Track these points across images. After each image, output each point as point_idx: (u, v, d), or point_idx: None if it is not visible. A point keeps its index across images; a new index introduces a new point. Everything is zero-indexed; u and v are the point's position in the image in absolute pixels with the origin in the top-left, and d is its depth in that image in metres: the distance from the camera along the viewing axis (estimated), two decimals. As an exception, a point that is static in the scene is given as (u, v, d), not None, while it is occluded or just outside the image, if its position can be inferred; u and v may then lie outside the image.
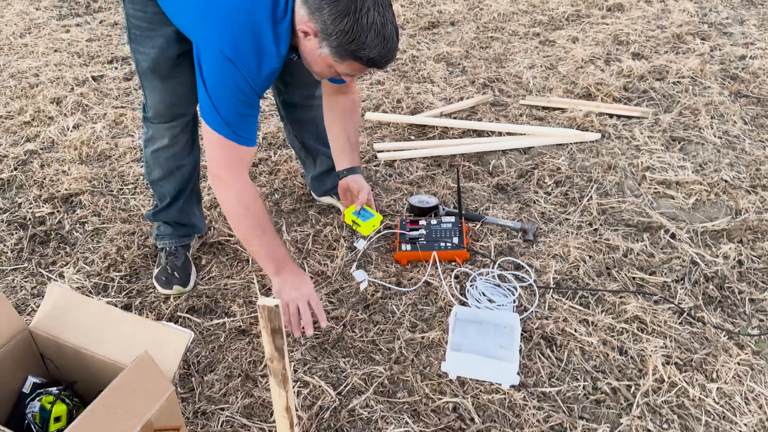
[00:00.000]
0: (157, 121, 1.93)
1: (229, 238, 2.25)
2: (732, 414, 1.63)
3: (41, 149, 2.81)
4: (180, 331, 1.42)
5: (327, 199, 2.43)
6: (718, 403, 1.66)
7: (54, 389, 1.49)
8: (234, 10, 1.50)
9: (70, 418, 1.46)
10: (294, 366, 1.77)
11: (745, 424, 1.60)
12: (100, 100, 3.25)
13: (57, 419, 1.45)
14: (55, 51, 3.83)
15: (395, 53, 1.55)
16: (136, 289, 2.05)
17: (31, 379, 1.54)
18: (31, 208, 2.41)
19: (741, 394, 1.68)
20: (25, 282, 2.08)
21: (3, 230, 2.31)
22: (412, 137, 2.95)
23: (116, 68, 3.61)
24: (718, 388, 1.69)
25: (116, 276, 2.09)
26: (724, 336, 1.85)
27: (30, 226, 2.32)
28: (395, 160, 2.74)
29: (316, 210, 2.41)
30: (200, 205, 2.19)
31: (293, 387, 1.69)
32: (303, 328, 1.72)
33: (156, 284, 2.04)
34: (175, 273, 2.03)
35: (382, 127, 3.03)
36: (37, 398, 1.47)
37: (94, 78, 3.48)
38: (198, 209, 2.17)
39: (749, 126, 2.99)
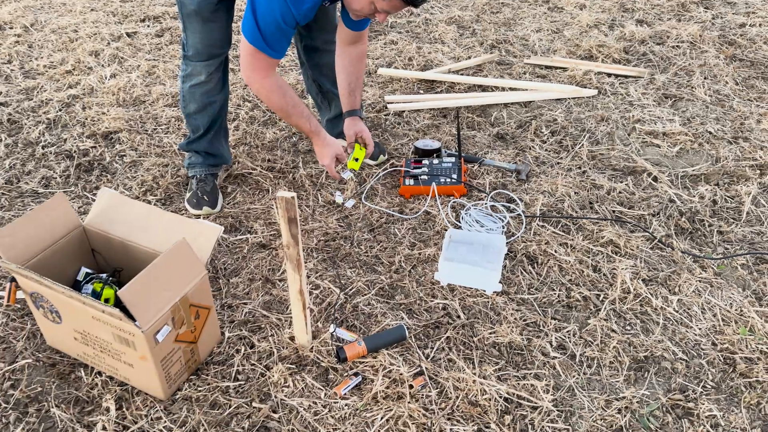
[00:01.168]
0: (196, 59, 2.18)
1: (251, 171, 2.51)
2: (688, 320, 1.86)
3: (82, 94, 3.09)
4: (212, 225, 1.69)
5: (341, 141, 2.67)
6: (677, 312, 1.89)
7: (103, 275, 1.77)
8: None
9: (117, 301, 1.74)
10: (307, 273, 2.03)
11: (699, 329, 1.84)
12: (134, 54, 3.51)
13: (106, 300, 1.73)
14: (92, 10, 4.10)
15: None
16: (170, 210, 2.32)
17: (84, 269, 1.82)
18: (75, 143, 2.69)
19: (698, 305, 1.91)
20: (72, 202, 2.36)
21: (52, 160, 2.59)
22: (421, 91, 3.17)
23: (148, 26, 3.87)
24: (678, 300, 1.92)
25: (152, 199, 2.36)
26: (690, 259, 2.08)
27: (75, 157, 2.60)
28: (404, 111, 2.97)
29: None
30: (227, 139, 2.45)
31: (308, 287, 1.96)
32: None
33: (188, 206, 2.31)
34: (205, 196, 2.30)
35: (393, 81, 3.26)
36: (90, 282, 1.75)
37: (128, 34, 3.75)
38: (225, 143, 2.43)
39: (740, 86, 3.17)
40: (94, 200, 2.34)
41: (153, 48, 3.59)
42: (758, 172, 2.50)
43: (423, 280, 2.00)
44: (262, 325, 1.84)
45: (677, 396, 1.64)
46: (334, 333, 1.79)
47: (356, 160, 2.34)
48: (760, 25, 3.81)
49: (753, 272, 2.04)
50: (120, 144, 2.69)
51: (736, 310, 1.89)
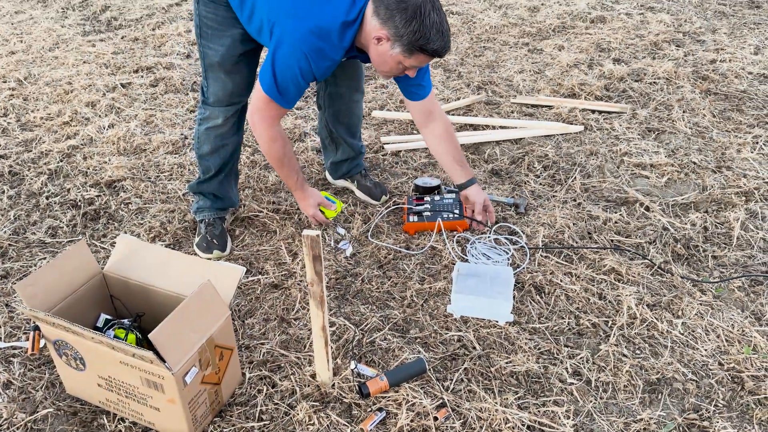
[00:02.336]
0: (216, 105, 2.25)
1: (258, 213, 2.56)
2: (694, 342, 1.93)
3: (81, 144, 3.13)
4: (234, 267, 1.72)
5: (341, 182, 2.74)
6: (682, 334, 1.96)
7: (126, 321, 1.79)
8: (316, 13, 1.88)
9: (139, 346, 1.75)
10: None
11: (705, 350, 1.91)
12: (130, 104, 3.57)
13: (128, 346, 1.74)
14: (84, 62, 4.17)
15: (450, 44, 1.98)
16: (179, 255, 2.34)
17: (104, 316, 1.84)
18: (79, 192, 2.71)
19: (702, 327, 1.98)
20: (81, 251, 2.37)
21: (57, 210, 2.61)
22: (415, 131, 3.27)
23: (142, 77, 3.95)
24: (682, 323, 2.00)
25: (161, 245, 2.39)
26: (689, 283, 2.16)
27: (81, 205, 2.62)
28: (401, 151, 3.06)
29: (332, 191, 2.72)
30: (237, 183, 2.50)
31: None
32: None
33: (197, 250, 2.34)
34: (214, 240, 2.33)
35: (387, 123, 3.36)
36: (111, 329, 1.77)
37: (122, 85, 3.81)
38: (235, 186, 2.48)
39: (717, 118, 3.33)
40: (102, 248, 2.37)
41: (149, 98, 3.66)
42: (744, 198, 2.62)
43: (436, 314, 2.05)
44: (282, 364, 1.87)
45: (692, 416, 1.69)
46: (355, 369, 1.81)
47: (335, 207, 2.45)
48: (729, 60, 4.01)
49: (749, 294, 2.12)
50: (124, 192, 2.73)
51: (738, 330, 1.96)
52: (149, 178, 2.84)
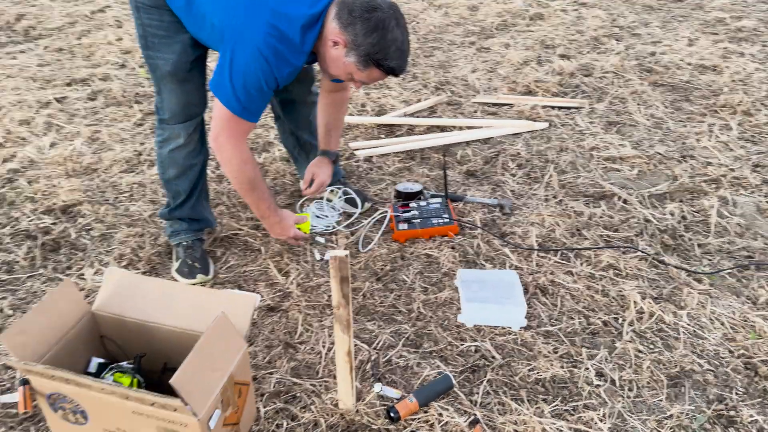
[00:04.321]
0: (173, 121, 2.07)
1: (237, 231, 2.40)
2: (701, 332, 1.96)
3: (22, 168, 2.84)
4: (247, 295, 1.58)
5: (322, 192, 2.62)
6: (689, 325, 1.98)
7: (124, 364, 1.61)
8: (274, 15, 1.72)
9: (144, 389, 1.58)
10: (328, 332, 1.94)
11: (714, 338, 1.94)
12: (69, 120, 3.29)
13: (129, 391, 1.56)
14: (8, 77, 3.81)
15: (407, 65, 1.87)
16: (158, 283, 2.15)
17: (95, 360, 1.64)
18: (31, 221, 2.45)
19: (706, 317, 2.02)
20: (45, 287, 2.14)
21: (9, 242, 2.35)
22: (382, 136, 3.19)
23: (77, 90, 3.65)
24: (687, 314, 2.02)
25: (136, 273, 2.18)
26: (685, 274, 2.19)
27: (37, 236, 2.37)
28: (372, 156, 2.97)
29: (310, 205, 2.60)
30: (209, 201, 2.33)
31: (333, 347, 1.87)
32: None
33: (178, 277, 2.16)
34: (196, 264, 2.16)
35: (352, 128, 3.26)
36: (110, 374, 1.58)
37: (57, 100, 3.51)
38: (208, 205, 2.32)
39: (670, 109, 3.44)
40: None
41: (89, 113, 3.38)
42: (713, 186, 2.71)
43: (447, 324, 1.98)
44: (297, 394, 1.74)
45: (719, 406, 1.71)
46: (381, 392, 1.71)
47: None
48: (667, 53, 4.18)
49: (740, 279, 2.18)
50: (83, 217, 2.49)
51: (740, 316, 2.01)
52: (108, 200, 2.61)
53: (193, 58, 2.00)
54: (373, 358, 1.84)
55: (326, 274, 2.19)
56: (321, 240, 2.36)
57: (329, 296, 2.09)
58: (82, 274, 2.17)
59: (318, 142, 2.38)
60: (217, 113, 1.84)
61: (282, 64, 1.78)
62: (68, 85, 3.72)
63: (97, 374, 1.61)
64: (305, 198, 2.58)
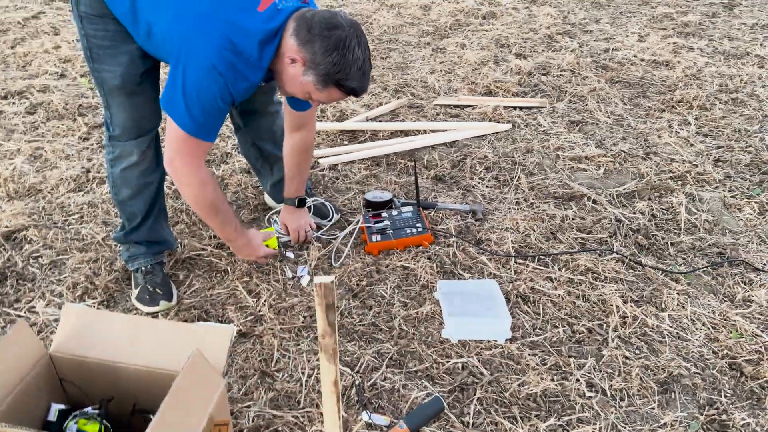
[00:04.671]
0: (125, 138, 1.93)
1: (201, 252, 2.26)
2: (684, 334, 1.94)
3: (-43, 191, 2.61)
4: (221, 327, 1.46)
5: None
6: (672, 327, 1.96)
7: (89, 410, 1.46)
8: (228, 27, 1.60)
9: (109, 436, 1.44)
10: (306, 356, 1.84)
11: (697, 340, 1.92)
12: (7, 137, 3.06)
13: (96, 440, 1.43)
14: (-65, 91, 3.53)
15: (369, 85, 1.78)
16: (117, 312, 2.00)
17: (55, 406, 1.49)
18: (-29, 250, 2.25)
19: (687, 317, 2.00)
20: (-10, 324, 1.95)
21: (-54, 275, 2.14)
22: (345, 142, 3.09)
23: (14, 103, 3.40)
24: (669, 315, 2.01)
25: (92, 303, 2.02)
26: (662, 274, 2.18)
27: (-23, 267, 2.17)
28: (337, 164, 2.87)
29: (277, 217, 2.47)
30: (167, 221, 2.19)
31: (314, 373, 1.77)
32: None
33: (139, 305, 2.01)
34: (157, 290, 2.01)
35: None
36: (74, 421, 1.44)
37: (-8, 115, 3.26)
38: (167, 225, 2.17)
39: (628, 106, 3.47)
40: (20, 316, 1.97)
41: (29, 128, 3.15)
42: (679, 183, 2.72)
43: (431, 341, 1.90)
44: (279, 428, 1.63)
45: (711, 411, 1.69)
46: (369, 420, 1.62)
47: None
48: (620, 49, 4.22)
49: (715, 277, 2.19)
50: (29, 244, 2.29)
51: (720, 316, 2.01)
52: (56, 223, 2.42)
53: (143, 69, 1.86)
54: (357, 382, 1.75)
55: (299, 293, 2.08)
56: (290, 255, 2.25)
57: (305, 317, 1.98)
58: (33, 307, 2.00)
59: (289, 185, 2.27)
60: (170, 134, 1.71)
61: (238, 80, 1.67)
62: (4, 98, 3.47)
63: (59, 422, 1.46)
64: (273, 212, 2.46)
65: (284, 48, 1.68)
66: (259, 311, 2.00)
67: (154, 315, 1.98)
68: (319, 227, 2.38)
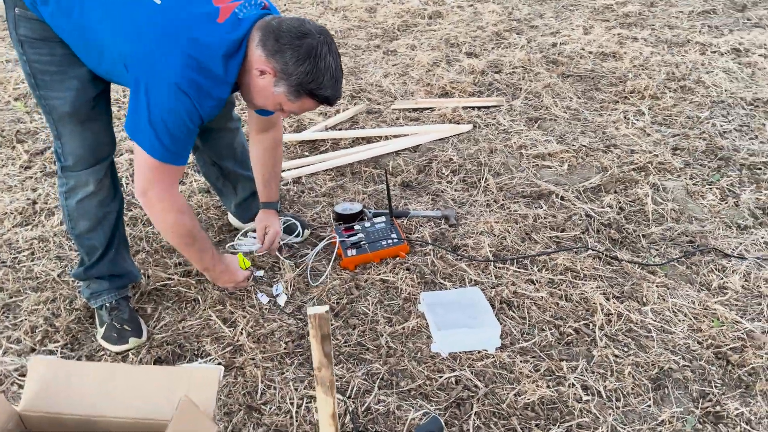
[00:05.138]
0: (79, 167, 1.80)
1: (167, 281, 2.14)
2: (669, 326, 1.95)
3: None
4: (207, 368, 1.37)
5: (254, 224, 2.40)
6: (655, 321, 1.97)
7: (66, 470, 1.34)
8: (189, 43, 1.50)
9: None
10: (294, 385, 1.75)
11: (681, 331, 1.93)
12: (-61, 170, 2.84)
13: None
14: None
15: (341, 93, 1.75)
16: (83, 355, 1.87)
17: (28, 470, 1.37)
18: None
19: (669, 310, 2.01)
20: (-59, 380, 1.79)
21: None
22: (306, 153, 3.00)
23: (-57, 133, 3.17)
24: (651, 309, 2.01)
25: (55, 348, 1.88)
26: (638, 268, 2.19)
27: None
28: (301, 177, 2.78)
29: (245, 239, 2.37)
30: (129, 250, 2.06)
31: (303, 404, 1.69)
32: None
33: (107, 344, 1.87)
34: (125, 326, 1.89)
35: (272, 149, 3.04)
36: (49, 485, 1.32)
37: None
38: (128, 256, 2.04)
39: (582, 99, 3.50)
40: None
41: (-37, 158, 2.94)
42: (642, 173, 2.76)
43: (421, 356, 1.84)
44: (273, 465, 1.54)
45: (705, 404, 1.69)
46: (368, 448, 1.55)
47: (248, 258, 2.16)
48: (567, 43, 4.27)
49: (689, 266, 2.21)
50: (-24, 286, 2.12)
51: (699, 305, 2.03)
52: (5, 262, 2.25)
53: (95, 93, 1.74)
54: (350, 409, 1.68)
55: (277, 317, 1.99)
56: (259, 273, 2.16)
57: (286, 343, 1.90)
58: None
59: (259, 194, 2.20)
60: (140, 162, 1.60)
61: (204, 99, 1.57)
62: (-69, 128, 3.23)
63: (33, 488, 1.34)
64: (242, 232, 2.36)
65: (251, 59, 1.60)
66: (238, 341, 1.90)
67: (124, 353, 1.86)
68: (288, 244, 2.29)
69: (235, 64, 1.59)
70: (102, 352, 1.87)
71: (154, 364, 1.83)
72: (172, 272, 2.17)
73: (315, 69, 1.57)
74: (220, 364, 1.83)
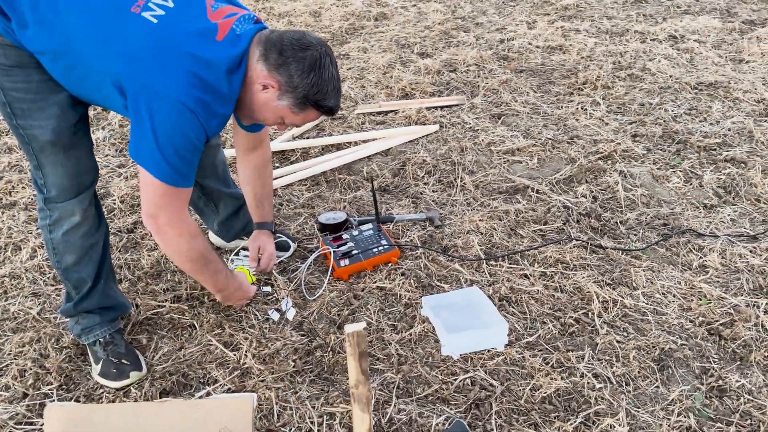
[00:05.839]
0: (63, 198, 1.71)
1: (157, 309, 2.05)
2: (660, 308, 2.03)
3: None
4: (239, 397, 1.33)
5: (238, 243, 2.34)
6: (648, 304, 2.05)
7: None
8: (191, 60, 1.46)
9: None
10: (312, 403, 1.72)
11: (673, 312, 2.02)
12: None
13: None
14: None
15: (341, 103, 1.74)
16: (81, 395, 1.77)
17: None
18: None
19: (658, 292, 2.10)
20: (-74, 438, 1.66)
21: None
22: (277, 164, 2.95)
23: None
24: (642, 293, 2.09)
25: (49, 390, 1.77)
26: (623, 254, 2.27)
27: None
28: (276, 189, 2.73)
29: (229, 255, 2.31)
30: (116, 281, 1.97)
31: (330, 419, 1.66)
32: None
33: (105, 381, 1.78)
34: (123, 360, 1.80)
35: (240, 162, 2.97)
36: None
37: None
38: (116, 286, 1.95)
39: (539, 93, 3.59)
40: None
41: None
42: (609, 162, 2.85)
43: (432, 361, 1.85)
44: (305, 487, 1.51)
45: (708, 379, 1.77)
46: (401, 459, 1.54)
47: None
48: (515, 39, 4.37)
49: (669, 248, 2.31)
50: (-50, 333, 1.98)
51: (685, 285, 2.12)
52: (-24, 304, 2.11)
53: (76, 119, 1.67)
54: (373, 422, 1.66)
55: (280, 336, 1.95)
56: (267, 289, 2.12)
57: (294, 361, 1.86)
58: None
59: (251, 214, 2.16)
60: (148, 188, 1.54)
61: (211, 117, 1.53)
62: None
63: None
64: (240, 247, 2.30)
65: (252, 75, 1.57)
66: (244, 364, 1.85)
67: (125, 389, 1.78)
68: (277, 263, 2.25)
69: (237, 80, 1.55)
70: (101, 390, 1.78)
71: (160, 396, 1.76)
72: (162, 299, 2.09)
73: (320, 80, 1.57)
74: (229, 390, 1.77)
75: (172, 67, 1.45)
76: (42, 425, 1.67)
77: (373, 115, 3.39)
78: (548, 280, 2.15)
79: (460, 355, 1.86)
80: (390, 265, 2.23)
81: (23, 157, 2.99)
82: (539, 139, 3.07)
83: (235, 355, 1.88)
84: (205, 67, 1.48)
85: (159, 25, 1.46)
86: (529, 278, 2.16)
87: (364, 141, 3.10)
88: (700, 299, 2.05)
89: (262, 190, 2.09)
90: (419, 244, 2.32)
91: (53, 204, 1.72)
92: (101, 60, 1.48)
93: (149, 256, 2.31)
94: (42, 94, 1.59)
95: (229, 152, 2.78)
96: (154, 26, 1.45)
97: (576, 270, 2.19)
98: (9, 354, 1.90)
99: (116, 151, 3.11)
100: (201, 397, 1.73)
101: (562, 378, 1.77)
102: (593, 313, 2.00)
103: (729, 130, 3.06)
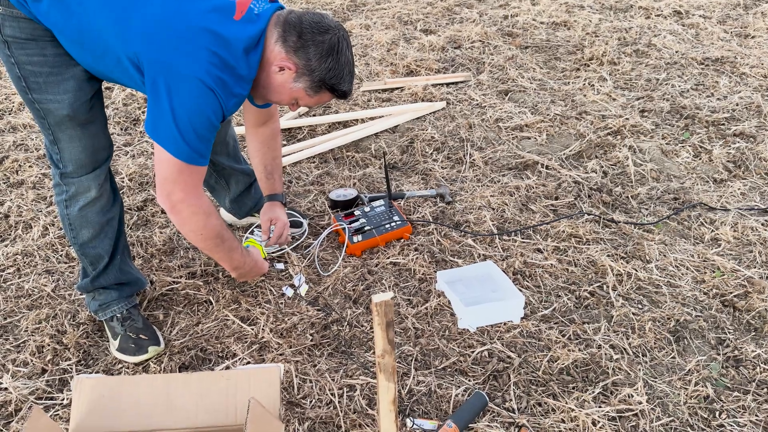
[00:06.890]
0: (80, 173, 1.70)
1: (173, 285, 2.05)
2: (675, 281, 2.04)
3: None
4: (266, 368, 1.33)
5: (250, 220, 2.34)
6: (661, 277, 2.06)
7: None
8: (211, 38, 1.44)
9: None
10: (331, 376, 1.73)
11: (687, 285, 2.03)
12: None
13: None
14: None
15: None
16: (100, 370, 1.77)
17: (83, 495, 1.30)
18: None
19: (671, 265, 2.10)
20: (-53, 414, 1.66)
21: None
22: (284, 142, 2.94)
23: None
24: (655, 266, 2.10)
25: (68, 366, 1.78)
26: (635, 228, 2.28)
27: None
28: (285, 167, 2.72)
29: (241, 232, 2.31)
30: (131, 257, 1.96)
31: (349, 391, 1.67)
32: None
33: (124, 356, 1.79)
34: (141, 335, 1.81)
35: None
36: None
37: None
38: (132, 262, 1.95)
39: (545, 69, 3.57)
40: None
41: None
42: (618, 137, 2.85)
43: (449, 335, 1.86)
44: (328, 458, 1.52)
45: (725, 350, 1.79)
46: (417, 427, 1.55)
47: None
48: (518, 15, 4.33)
49: (680, 222, 2.31)
50: (-35, 312, 1.98)
51: (698, 257, 2.13)
52: (-11, 281, 2.10)
53: (92, 94, 1.65)
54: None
55: (296, 311, 1.95)
56: (280, 266, 2.11)
57: (311, 335, 1.86)
58: (-2, 384, 1.73)
59: (261, 187, 2.14)
60: (163, 165, 1.53)
61: (228, 96, 1.52)
62: None
63: None
64: (255, 225, 2.28)
65: (269, 55, 1.55)
66: (262, 338, 1.85)
67: (144, 363, 1.78)
68: (292, 236, 2.25)
69: (254, 60, 1.54)
70: (119, 365, 1.79)
71: (179, 371, 1.76)
72: (177, 275, 2.09)
73: (337, 65, 1.57)
74: (248, 362, 1.78)
75: (191, 44, 1.44)
76: (62, 400, 1.68)
77: (379, 93, 3.37)
78: (562, 254, 2.15)
79: (477, 328, 1.87)
80: (402, 240, 2.23)
81: (28, 136, 2.97)
82: (547, 115, 3.06)
83: (252, 329, 1.89)
84: (224, 46, 1.47)
85: (177, 1, 1.44)
86: (542, 252, 2.17)
87: (371, 118, 3.08)
88: (714, 272, 2.06)
89: (273, 162, 2.07)
90: (431, 220, 2.32)
91: (69, 179, 1.71)
92: (119, 37, 1.46)
93: (161, 233, 2.30)
94: (58, 68, 1.57)
95: (238, 129, 2.76)
96: (172, 3, 1.44)
97: (589, 244, 2.20)
98: (26, 331, 1.90)
99: (121, 129, 3.08)
100: (223, 369, 1.74)
101: (579, 350, 1.79)
102: (608, 286, 2.01)
103: (737, 105, 3.05)
